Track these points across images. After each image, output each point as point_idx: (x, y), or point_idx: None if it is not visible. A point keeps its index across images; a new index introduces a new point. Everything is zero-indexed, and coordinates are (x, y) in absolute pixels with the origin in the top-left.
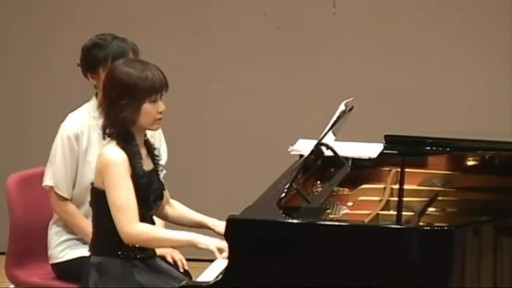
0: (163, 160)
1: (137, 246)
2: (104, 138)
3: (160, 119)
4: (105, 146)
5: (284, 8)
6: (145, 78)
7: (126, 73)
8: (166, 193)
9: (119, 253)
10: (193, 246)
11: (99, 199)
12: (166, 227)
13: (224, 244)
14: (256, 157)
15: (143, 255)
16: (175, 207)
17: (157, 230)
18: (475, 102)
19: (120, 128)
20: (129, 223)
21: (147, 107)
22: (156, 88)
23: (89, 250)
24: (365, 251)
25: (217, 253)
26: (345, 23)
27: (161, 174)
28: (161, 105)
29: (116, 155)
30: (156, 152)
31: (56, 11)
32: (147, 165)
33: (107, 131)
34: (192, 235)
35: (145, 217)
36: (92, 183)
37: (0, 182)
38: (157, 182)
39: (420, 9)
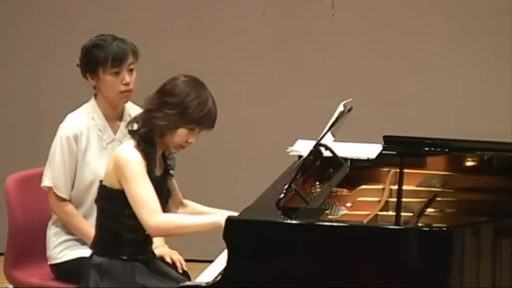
0: None
1: (140, 247)
2: (126, 127)
3: (183, 147)
4: (122, 145)
5: (283, 9)
6: (202, 109)
7: (190, 91)
8: (178, 194)
9: (122, 255)
10: (219, 228)
11: (106, 197)
12: None
13: None
14: (255, 157)
15: (145, 257)
16: (189, 207)
17: (181, 218)
18: (475, 102)
19: (148, 131)
20: (153, 215)
21: (182, 132)
22: (203, 123)
23: (91, 248)
24: (364, 252)
25: None
26: (344, 23)
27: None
28: (193, 138)
29: (132, 155)
30: (170, 162)
31: (55, 11)
32: (158, 170)
33: (133, 126)
34: (215, 217)
35: None
36: (101, 181)
37: None
38: (165, 189)
39: (420, 9)
